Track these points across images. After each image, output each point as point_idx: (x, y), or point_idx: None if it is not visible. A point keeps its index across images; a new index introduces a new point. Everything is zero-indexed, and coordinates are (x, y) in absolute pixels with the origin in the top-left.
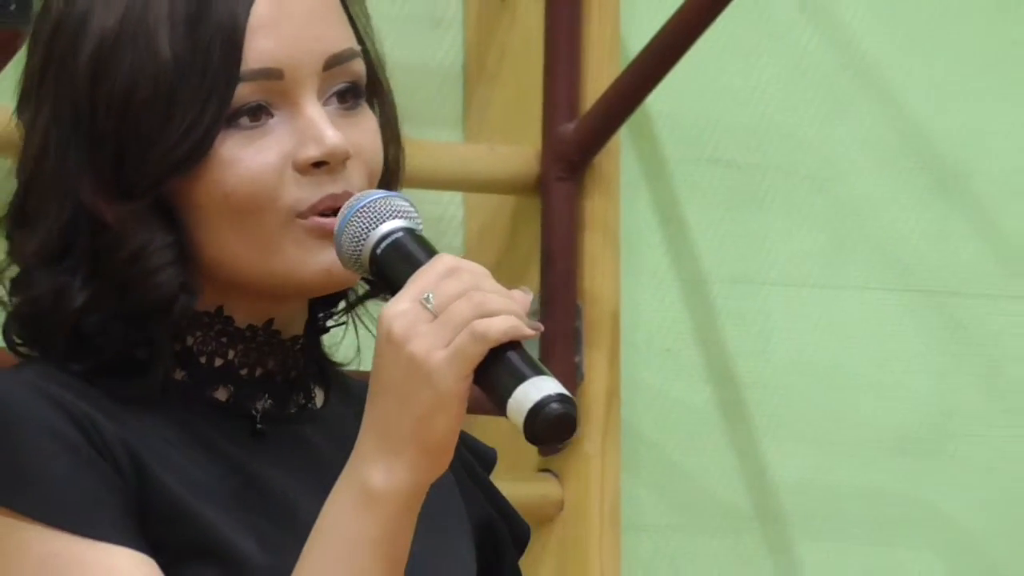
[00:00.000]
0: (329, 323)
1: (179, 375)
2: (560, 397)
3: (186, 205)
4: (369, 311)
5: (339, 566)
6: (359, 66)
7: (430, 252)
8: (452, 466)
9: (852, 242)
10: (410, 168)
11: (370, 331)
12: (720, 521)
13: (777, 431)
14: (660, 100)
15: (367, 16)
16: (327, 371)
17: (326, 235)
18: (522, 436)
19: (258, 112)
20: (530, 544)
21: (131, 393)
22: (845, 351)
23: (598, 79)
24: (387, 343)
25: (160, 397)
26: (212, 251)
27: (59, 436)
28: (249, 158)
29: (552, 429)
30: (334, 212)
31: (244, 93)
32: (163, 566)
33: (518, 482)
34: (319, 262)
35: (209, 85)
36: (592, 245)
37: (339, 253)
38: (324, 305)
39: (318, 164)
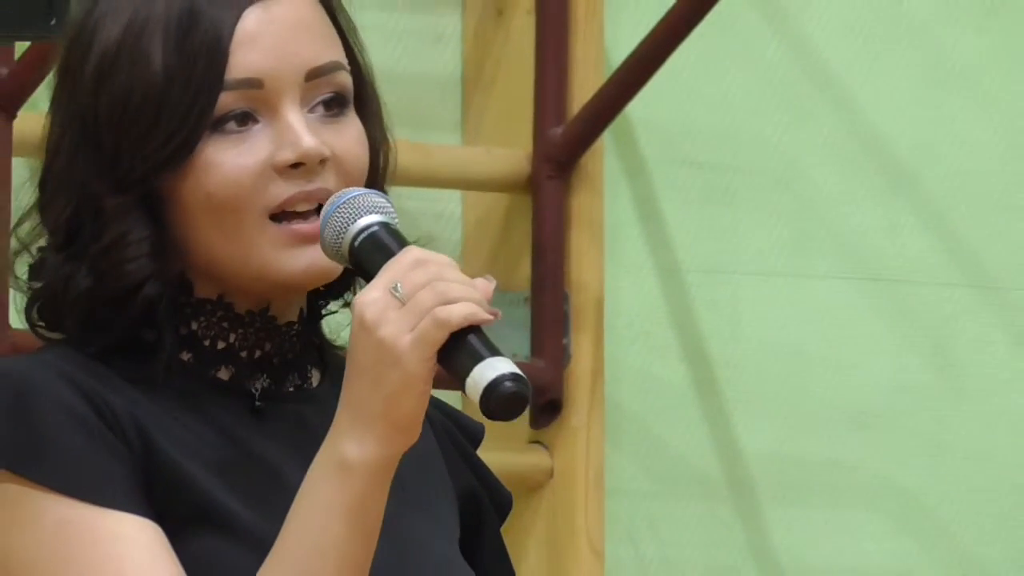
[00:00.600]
0: (324, 310)
1: (185, 356)
2: (513, 376)
3: (175, 205)
4: None
5: (315, 530)
6: (343, 77)
7: (402, 244)
8: (439, 439)
9: (814, 236)
10: (413, 168)
11: None
12: (695, 487)
13: (747, 407)
14: (640, 107)
15: (354, 29)
16: (326, 354)
17: (304, 240)
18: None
19: (244, 119)
20: (523, 509)
21: (141, 373)
22: (808, 334)
23: (584, 88)
24: (360, 328)
25: (168, 377)
26: (200, 248)
27: (72, 412)
28: (231, 161)
29: (505, 405)
30: (316, 213)
31: (228, 101)
32: (168, 532)
33: (512, 452)
34: (296, 264)
35: (194, 92)
36: (578, 238)
37: (323, 246)
38: (323, 293)
39: (295, 166)
